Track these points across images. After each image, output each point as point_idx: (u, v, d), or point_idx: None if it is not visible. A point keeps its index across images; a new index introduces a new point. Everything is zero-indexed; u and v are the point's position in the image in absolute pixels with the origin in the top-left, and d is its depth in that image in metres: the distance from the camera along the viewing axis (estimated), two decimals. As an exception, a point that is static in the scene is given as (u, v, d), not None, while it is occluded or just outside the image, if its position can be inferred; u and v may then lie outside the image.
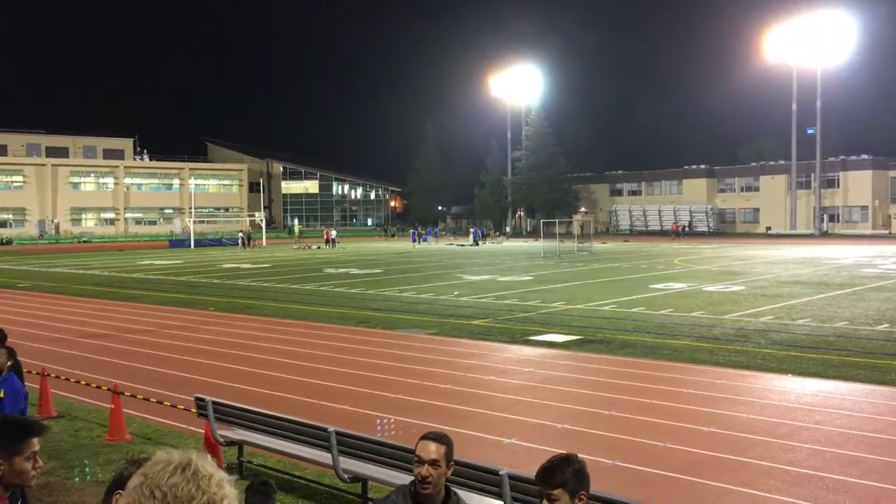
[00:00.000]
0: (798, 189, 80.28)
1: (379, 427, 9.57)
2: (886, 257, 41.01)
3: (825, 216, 78.55)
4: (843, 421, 10.25)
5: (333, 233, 66.53)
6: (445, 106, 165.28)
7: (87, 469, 8.79)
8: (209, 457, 1.92)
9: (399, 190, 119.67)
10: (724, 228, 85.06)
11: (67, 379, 12.55)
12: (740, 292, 25.06)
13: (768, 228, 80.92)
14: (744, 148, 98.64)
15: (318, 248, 61.70)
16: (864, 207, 78.13)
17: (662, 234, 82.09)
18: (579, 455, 3.33)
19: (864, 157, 79.13)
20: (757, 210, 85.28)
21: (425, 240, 71.25)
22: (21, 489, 3.30)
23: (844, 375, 12.83)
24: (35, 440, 2.99)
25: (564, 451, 3.35)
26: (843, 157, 79.91)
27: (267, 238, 72.49)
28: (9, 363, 7.27)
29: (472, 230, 72.31)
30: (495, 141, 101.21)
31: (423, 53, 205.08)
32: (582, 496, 3.15)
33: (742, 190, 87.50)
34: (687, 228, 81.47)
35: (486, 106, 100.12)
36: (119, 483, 3.05)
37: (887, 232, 71.28)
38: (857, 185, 78.16)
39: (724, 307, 21.41)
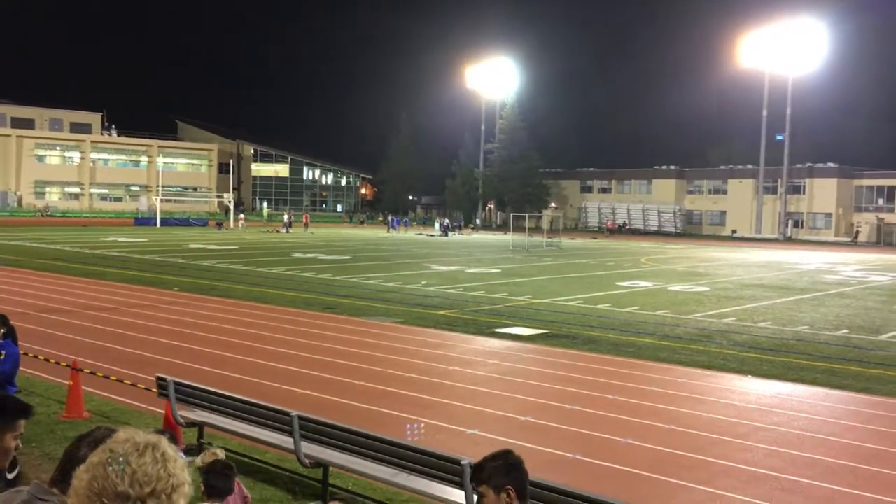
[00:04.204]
0: (765, 194, 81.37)
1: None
2: (848, 264, 41.78)
3: (790, 221, 79.71)
4: (801, 423, 10.42)
5: (286, 217, 66.25)
6: (420, 95, 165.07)
7: (44, 445, 8.64)
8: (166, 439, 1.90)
9: (370, 177, 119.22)
10: (690, 230, 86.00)
11: (26, 354, 12.29)
12: (705, 293, 25.36)
13: (734, 231, 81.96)
14: (714, 150, 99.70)
15: (288, 231, 61.27)
16: (829, 214, 79.40)
17: (636, 232, 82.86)
18: (515, 451, 3.33)
19: (831, 164, 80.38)
20: (724, 213, 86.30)
21: (394, 228, 71.22)
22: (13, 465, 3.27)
23: (803, 378, 13.04)
24: (23, 421, 2.98)
25: (499, 449, 3.36)
26: (809, 164, 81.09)
27: (235, 220, 71.82)
28: (2, 330, 7.19)
29: (436, 221, 72.64)
30: (469, 133, 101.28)
31: (400, 42, 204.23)
32: (509, 490, 3.16)
33: (710, 192, 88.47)
34: (622, 227, 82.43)
35: (461, 97, 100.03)
36: (72, 460, 3.00)
37: (850, 240, 72.55)
38: (823, 193, 79.39)
39: (689, 307, 21.64)
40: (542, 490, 5.70)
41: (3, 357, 7.19)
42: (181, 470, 1.84)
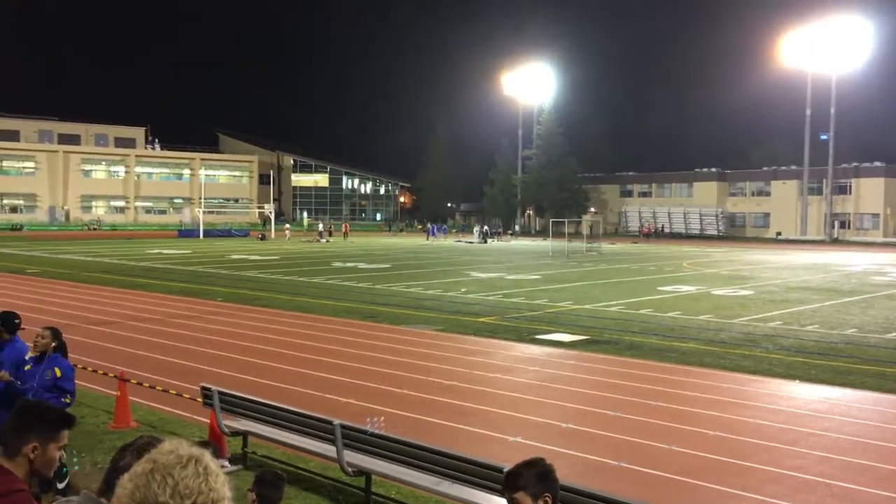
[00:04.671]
0: (809, 195, 79.90)
1: (369, 424, 9.51)
2: (897, 265, 40.79)
3: (836, 223, 78.15)
4: (851, 428, 10.19)
5: (320, 226, 66.91)
6: (457, 102, 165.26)
7: (93, 455, 8.80)
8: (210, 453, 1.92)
9: (409, 185, 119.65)
10: (733, 232, 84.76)
11: (74, 365, 12.55)
12: (749, 296, 24.96)
13: (778, 234, 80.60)
14: (757, 152, 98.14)
15: (327, 241, 61.79)
16: (876, 215, 77.68)
17: (676, 235, 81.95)
18: (546, 460, 3.34)
19: (877, 163, 78.62)
20: (767, 215, 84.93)
21: (434, 236, 71.38)
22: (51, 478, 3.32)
23: (852, 383, 12.75)
24: (67, 432, 3.02)
25: (532, 457, 3.37)
26: (855, 164, 79.44)
27: (276, 231, 72.62)
28: (53, 343, 7.32)
29: (475, 228, 72.69)
30: (506, 139, 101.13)
31: (436, 50, 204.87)
32: (546, 498, 3.19)
33: (753, 194, 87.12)
34: (658, 231, 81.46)
35: (498, 104, 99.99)
36: (116, 469, 3.04)
37: (898, 240, 70.92)
38: (870, 193, 77.71)
39: (733, 311, 21.32)
40: (586, 498, 5.65)
41: (60, 377, 7.31)
42: (222, 485, 1.85)
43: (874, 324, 19.32)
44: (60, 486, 7.39)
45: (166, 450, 1.85)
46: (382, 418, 9.67)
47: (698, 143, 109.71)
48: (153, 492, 1.77)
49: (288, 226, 71.19)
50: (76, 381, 7.51)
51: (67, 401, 7.34)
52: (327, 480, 8.12)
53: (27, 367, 7.34)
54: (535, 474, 3.21)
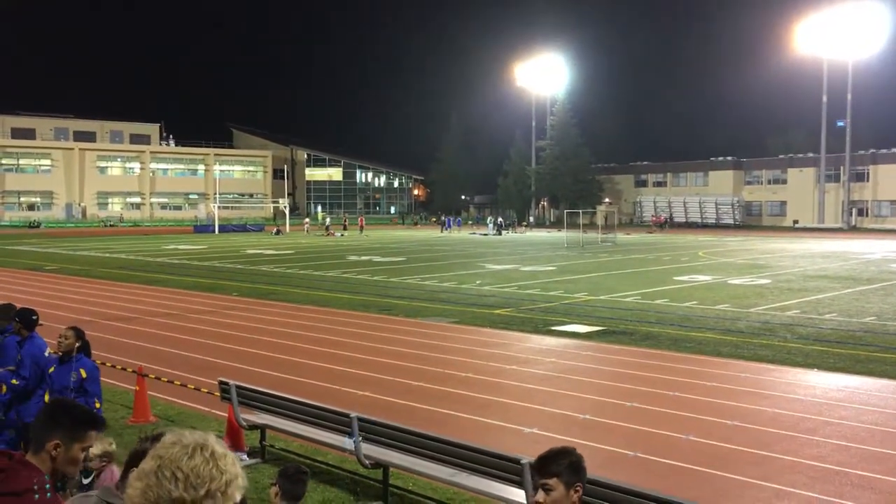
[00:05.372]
0: (826, 182, 79.26)
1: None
2: (916, 253, 40.40)
3: (854, 210, 77.50)
4: (870, 417, 10.12)
5: (327, 220, 67.20)
6: (470, 94, 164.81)
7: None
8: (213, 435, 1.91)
9: (422, 178, 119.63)
10: (750, 221, 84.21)
11: (93, 360, 12.66)
12: (766, 286, 24.81)
13: (795, 222, 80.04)
14: (773, 139, 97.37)
15: (342, 235, 61.93)
16: (894, 202, 76.96)
17: (692, 225, 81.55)
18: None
19: (895, 150, 77.85)
20: (784, 203, 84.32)
21: (448, 228, 71.39)
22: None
23: (872, 371, 12.66)
24: (94, 433, 3.00)
25: (564, 445, 3.35)
26: (873, 151, 78.66)
27: (291, 225, 72.88)
28: (77, 344, 7.32)
29: (489, 220, 72.72)
30: (520, 130, 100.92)
31: (448, 41, 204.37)
32: (578, 488, 3.21)
33: (769, 182, 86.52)
34: (667, 221, 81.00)
35: (511, 95, 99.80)
36: (136, 459, 3.05)
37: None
38: (888, 179, 76.95)
39: (750, 300, 21.20)
40: (604, 489, 5.64)
41: (86, 377, 7.32)
42: (232, 464, 1.83)
43: (893, 311, 19.15)
44: (86, 481, 7.45)
45: (169, 442, 1.83)
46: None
47: (714, 131, 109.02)
48: (166, 489, 1.75)
49: (307, 220, 71.48)
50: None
51: (98, 406, 7.29)
52: (345, 473, 8.15)
53: (51, 370, 7.35)
54: (569, 463, 3.23)
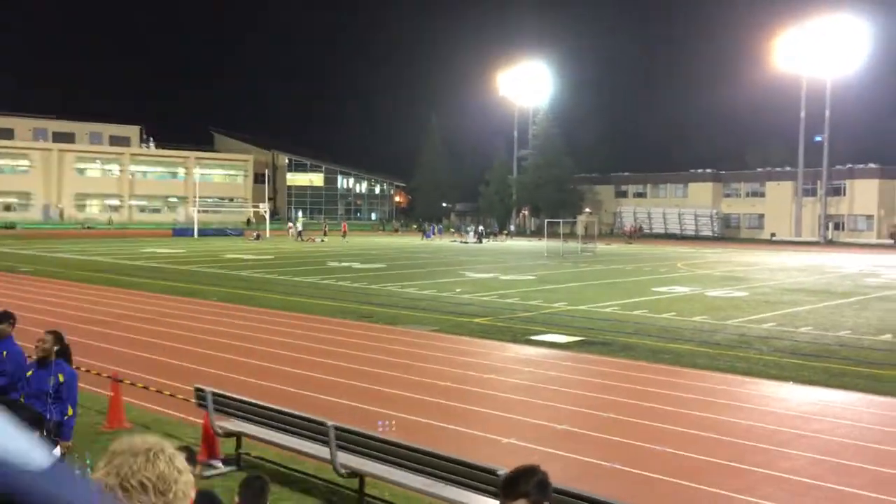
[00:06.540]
0: (804, 196, 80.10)
1: (381, 428, 9.53)
2: (890, 267, 40.87)
3: (830, 224, 78.36)
4: (844, 430, 10.21)
5: (299, 226, 66.73)
6: (453, 102, 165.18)
7: (87, 457, 8.78)
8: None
9: (404, 185, 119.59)
10: (728, 233, 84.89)
11: (73, 367, 12.52)
12: (743, 298, 25.00)
13: (773, 235, 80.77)
14: (752, 153, 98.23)
15: (322, 241, 61.73)
16: (870, 217, 77.89)
17: (671, 236, 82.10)
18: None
19: (872, 165, 78.78)
20: (762, 216, 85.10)
21: (429, 236, 71.38)
22: None
23: (846, 385, 12.78)
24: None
25: (529, 463, 3.34)
26: (850, 166, 79.60)
27: (270, 230, 72.54)
28: (56, 348, 7.21)
29: (471, 228, 72.83)
30: (502, 139, 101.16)
31: (431, 48, 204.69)
32: None
33: (748, 195, 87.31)
34: (638, 231, 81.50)
35: (494, 104, 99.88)
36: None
37: (892, 242, 71.08)
38: (864, 194, 77.92)
39: (727, 312, 21.35)
40: (579, 500, 5.65)
41: (62, 383, 7.20)
42: (182, 462, 1.85)
43: (868, 325, 19.37)
44: None
45: (125, 452, 1.80)
46: (394, 422, 9.68)
47: (693, 144, 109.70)
48: (137, 500, 1.74)
49: (291, 224, 71.15)
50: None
51: (70, 414, 7.19)
52: (321, 482, 8.11)
53: (29, 374, 7.27)
54: (537, 482, 3.20)
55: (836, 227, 78.99)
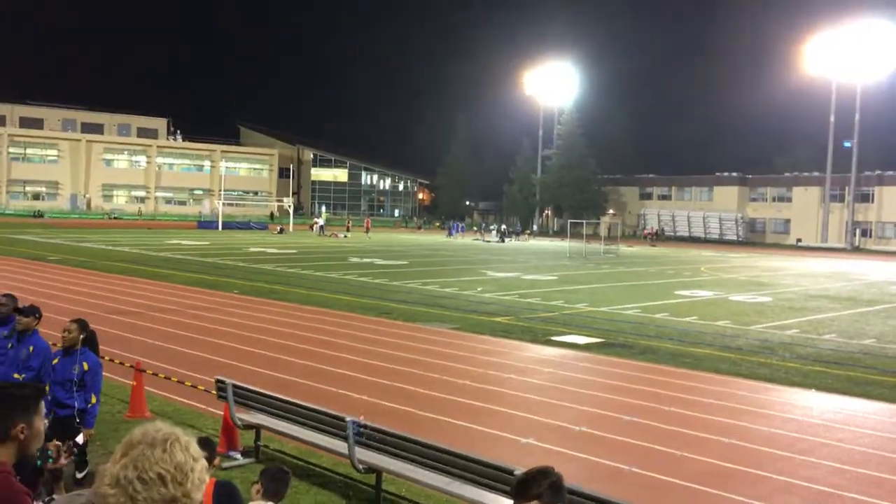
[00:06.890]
0: (831, 202, 79.16)
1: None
2: (918, 276, 40.32)
3: (857, 231, 77.39)
4: (866, 440, 10.10)
5: (322, 221, 66.95)
6: (478, 101, 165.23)
7: (107, 445, 8.88)
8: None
9: (427, 182, 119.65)
10: (753, 238, 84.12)
11: (98, 356, 12.67)
12: (767, 303, 24.78)
13: (799, 240, 79.93)
14: (779, 157, 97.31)
15: (345, 236, 61.95)
16: (899, 224, 76.88)
17: (693, 240, 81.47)
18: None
19: (901, 172, 77.79)
20: (788, 221, 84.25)
21: (453, 234, 71.40)
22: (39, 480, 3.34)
23: (869, 394, 12.63)
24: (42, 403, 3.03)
25: (543, 465, 3.31)
26: (879, 172, 78.60)
27: (294, 224, 72.89)
28: (81, 336, 7.31)
29: (493, 227, 72.77)
30: (527, 138, 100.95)
31: (458, 47, 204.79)
32: None
33: (774, 200, 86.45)
34: (660, 234, 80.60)
35: (520, 103, 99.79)
36: None
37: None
38: (893, 201, 76.88)
39: (750, 318, 21.17)
40: (596, 503, 5.63)
41: (87, 370, 7.29)
42: (196, 449, 1.87)
43: (893, 334, 19.12)
44: (80, 475, 7.45)
45: (138, 442, 1.84)
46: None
47: (721, 147, 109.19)
48: (157, 492, 1.76)
49: (317, 219, 71.49)
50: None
51: (93, 402, 7.27)
52: (338, 476, 8.15)
53: (55, 361, 7.37)
54: (549, 484, 3.17)
55: (864, 233, 78.00)
